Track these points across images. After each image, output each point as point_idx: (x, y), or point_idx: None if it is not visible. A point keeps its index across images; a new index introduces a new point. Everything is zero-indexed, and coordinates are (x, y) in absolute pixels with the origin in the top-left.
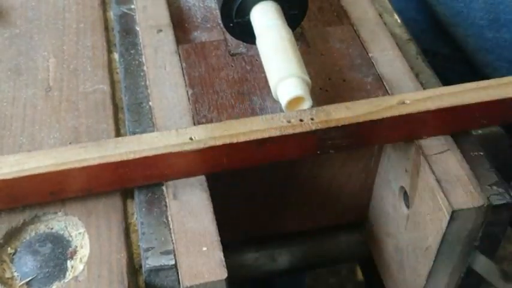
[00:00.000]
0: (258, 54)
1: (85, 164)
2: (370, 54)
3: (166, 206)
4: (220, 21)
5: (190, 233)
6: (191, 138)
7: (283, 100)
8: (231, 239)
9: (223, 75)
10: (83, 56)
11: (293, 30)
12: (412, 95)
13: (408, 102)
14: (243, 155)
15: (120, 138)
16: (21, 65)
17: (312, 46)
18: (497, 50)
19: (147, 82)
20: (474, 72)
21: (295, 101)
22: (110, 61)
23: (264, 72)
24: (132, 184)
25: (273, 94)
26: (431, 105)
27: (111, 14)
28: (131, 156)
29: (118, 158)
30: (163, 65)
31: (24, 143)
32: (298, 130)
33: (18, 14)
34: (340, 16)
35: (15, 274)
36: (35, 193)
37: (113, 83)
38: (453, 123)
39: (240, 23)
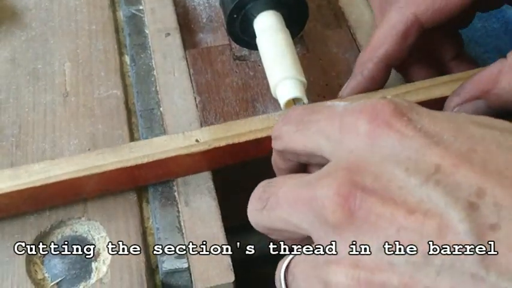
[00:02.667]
0: (259, 60)
1: (104, 169)
2: None
3: (178, 212)
4: (224, 21)
5: (201, 238)
6: (197, 140)
7: (282, 100)
8: (235, 224)
9: (228, 81)
10: (96, 60)
11: (294, 37)
12: (391, 90)
13: (389, 97)
14: (243, 152)
15: (133, 143)
16: (39, 69)
17: (310, 51)
18: (485, 41)
19: (158, 88)
20: None
21: (292, 100)
22: (122, 64)
23: (265, 78)
24: (145, 182)
25: (272, 93)
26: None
27: (121, 15)
28: (145, 160)
29: (133, 162)
30: (172, 70)
31: (47, 149)
32: None
33: (33, 15)
34: (338, 16)
35: (46, 275)
36: (59, 196)
37: (125, 88)
38: None
39: (244, 35)
